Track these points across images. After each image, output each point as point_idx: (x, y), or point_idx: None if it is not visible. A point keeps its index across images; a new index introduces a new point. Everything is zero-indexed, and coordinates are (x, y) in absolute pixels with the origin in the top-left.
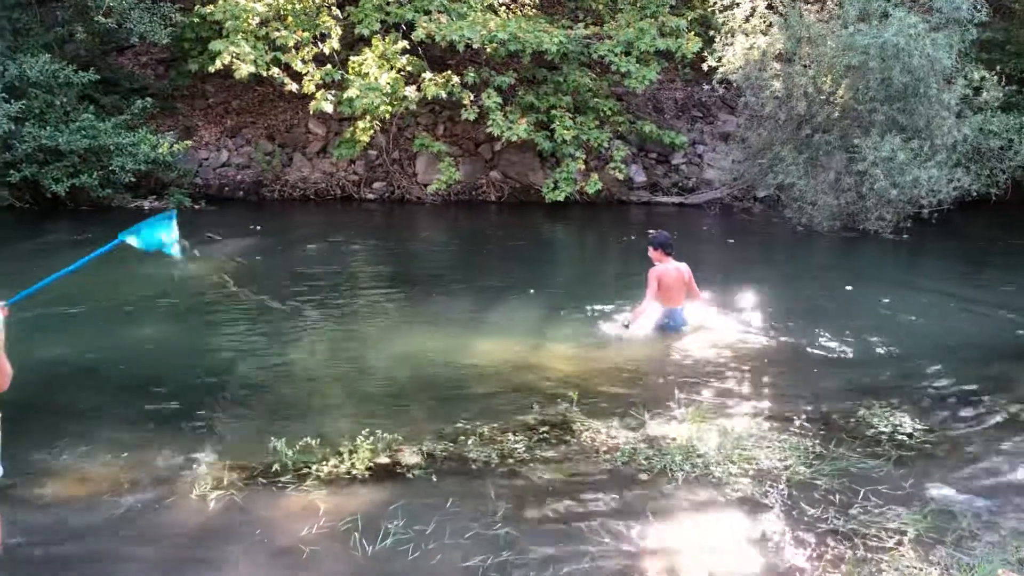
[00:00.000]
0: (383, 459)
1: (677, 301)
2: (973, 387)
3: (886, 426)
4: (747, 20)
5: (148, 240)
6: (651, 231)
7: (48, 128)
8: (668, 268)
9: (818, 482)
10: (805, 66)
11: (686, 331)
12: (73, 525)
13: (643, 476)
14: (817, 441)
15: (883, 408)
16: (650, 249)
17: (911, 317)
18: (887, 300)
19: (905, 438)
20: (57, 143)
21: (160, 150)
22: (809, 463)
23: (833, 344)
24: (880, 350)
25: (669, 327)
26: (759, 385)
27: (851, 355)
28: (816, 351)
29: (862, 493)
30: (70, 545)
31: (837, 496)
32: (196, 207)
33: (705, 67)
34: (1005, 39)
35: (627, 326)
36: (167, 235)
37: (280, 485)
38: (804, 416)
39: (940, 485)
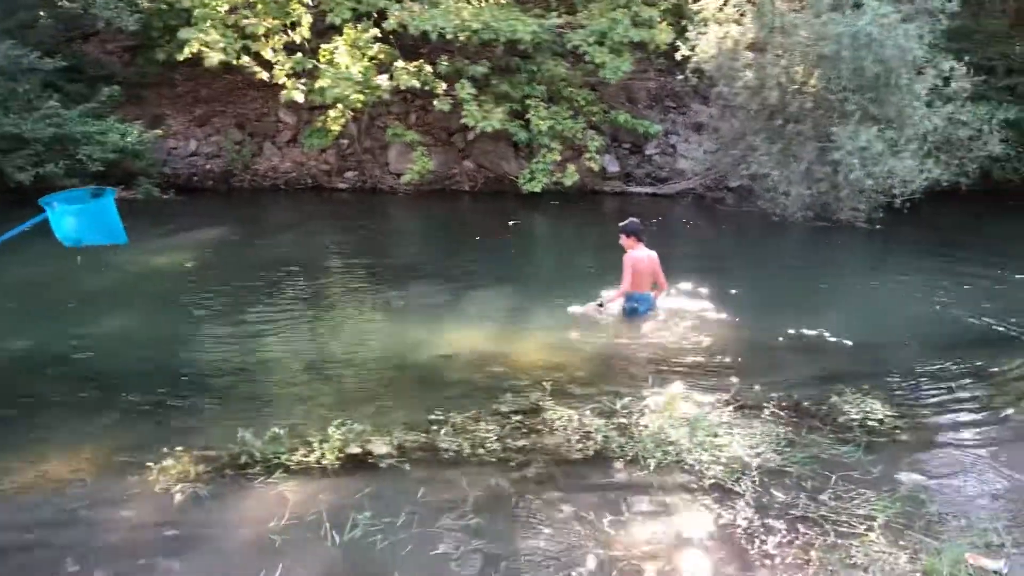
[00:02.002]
0: (353, 449)
1: (647, 287)
2: (943, 374)
3: (857, 413)
4: (720, 9)
5: (90, 230)
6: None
7: (11, 116)
8: (641, 255)
9: (789, 469)
10: (778, 55)
11: (653, 316)
12: (34, 517)
13: (616, 464)
14: (788, 428)
15: (854, 395)
16: (623, 236)
17: (883, 305)
18: (859, 288)
19: (876, 424)
20: (21, 131)
21: (129, 139)
22: (780, 450)
23: (805, 332)
24: (852, 338)
25: (639, 311)
26: (731, 373)
27: (823, 343)
28: (788, 339)
29: (833, 479)
30: (29, 537)
31: (808, 482)
32: (164, 197)
33: (678, 56)
34: (973, 28)
35: (602, 305)
36: (110, 223)
37: (248, 477)
38: (775, 404)
39: (909, 471)
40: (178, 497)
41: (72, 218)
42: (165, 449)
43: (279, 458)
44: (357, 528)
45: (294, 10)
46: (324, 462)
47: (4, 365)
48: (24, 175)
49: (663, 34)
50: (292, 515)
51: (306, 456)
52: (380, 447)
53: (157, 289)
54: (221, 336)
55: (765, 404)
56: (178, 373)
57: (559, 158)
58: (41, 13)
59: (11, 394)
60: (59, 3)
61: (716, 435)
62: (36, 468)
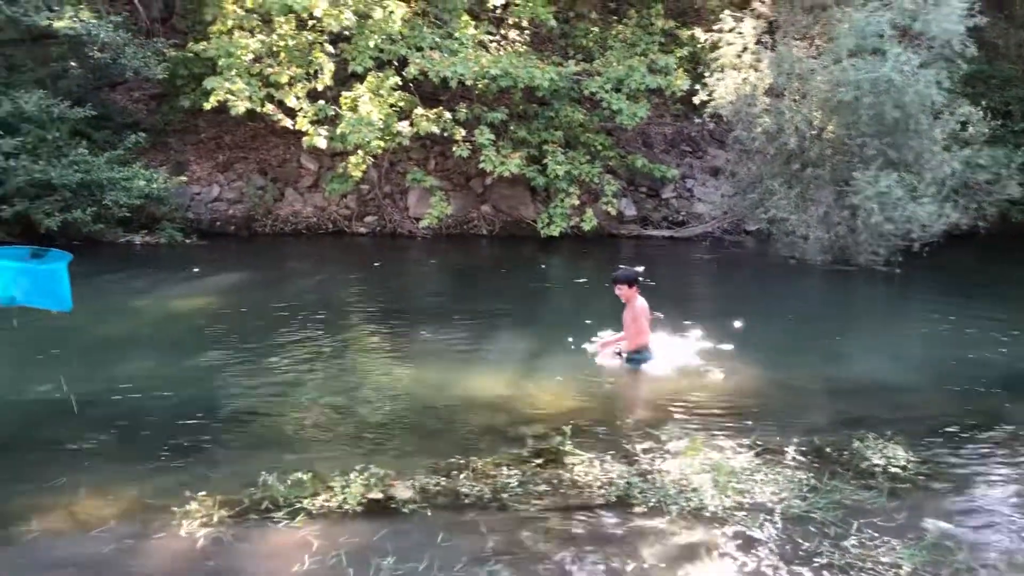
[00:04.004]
0: (375, 494)
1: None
2: (966, 419)
3: (880, 458)
4: (738, 56)
5: (34, 292)
6: (638, 267)
7: (41, 163)
8: (644, 303)
9: (813, 515)
10: (795, 101)
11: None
12: (58, 561)
13: (638, 510)
14: (811, 474)
15: (876, 440)
16: (623, 287)
17: (903, 349)
18: (879, 332)
19: (899, 470)
20: (50, 177)
21: (154, 185)
22: (803, 496)
23: (825, 376)
24: (872, 382)
25: (645, 361)
26: (752, 418)
27: (843, 387)
28: (808, 384)
29: (856, 526)
30: None
31: (832, 529)
32: (187, 241)
33: (697, 100)
34: (989, 73)
35: (620, 354)
36: (58, 289)
37: (271, 521)
38: (797, 449)
39: (935, 518)
40: (201, 541)
41: (22, 277)
42: (188, 493)
43: (301, 502)
44: (380, 574)
45: (316, 59)
46: (346, 506)
47: (31, 409)
48: (52, 221)
49: (679, 81)
50: (314, 560)
51: (328, 500)
52: (401, 491)
53: (179, 333)
54: (243, 380)
55: (786, 449)
56: (200, 417)
57: (577, 202)
58: (72, 63)
59: (37, 437)
60: (89, 54)
61: (738, 481)
62: (62, 511)
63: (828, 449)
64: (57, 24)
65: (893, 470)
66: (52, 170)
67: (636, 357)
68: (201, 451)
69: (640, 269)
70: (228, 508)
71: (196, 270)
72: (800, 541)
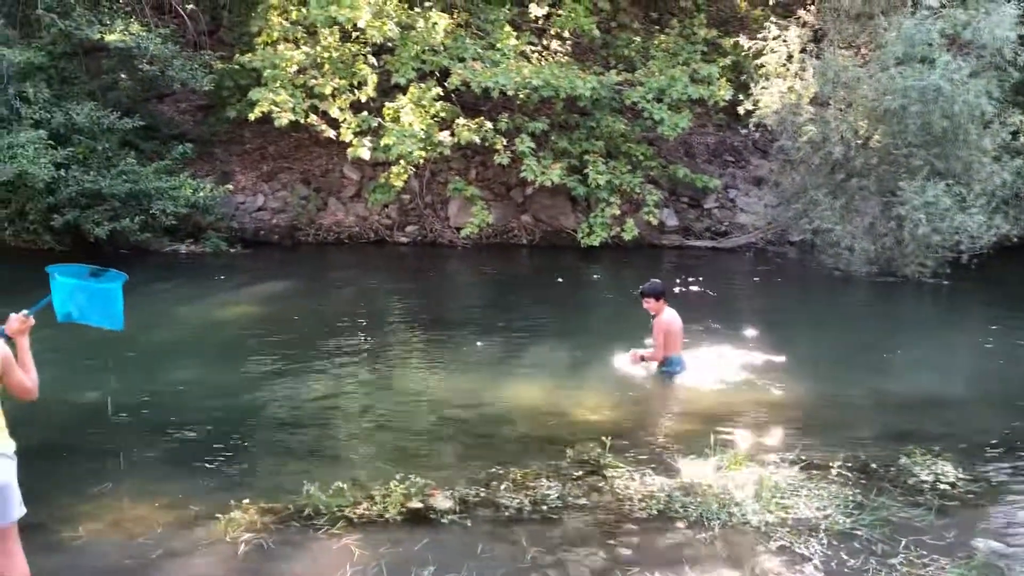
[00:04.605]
0: (415, 503)
1: (680, 347)
2: (1017, 434)
3: (928, 475)
4: (783, 65)
5: (91, 309)
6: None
7: (91, 173)
8: (671, 317)
9: (858, 532)
10: (841, 110)
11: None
12: (105, 567)
13: (679, 524)
14: (856, 490)
15: (924, 456)
16: (649, 300)
17: (951, 362)
18: (926, 345)
19: (948, 487)
20: (100, 187)
21: (201, 194)
22: (849, 512)
23: (870, 390)
24: (919, 396)
25: (677, 373)
26: (795, 432)
27: (889, 401)
28: (853, 397)
29: (904, 543)
30: None
31: (879, 546)
32: (232, 250)
33: (741, 110)
34: None
35: (644, 359)
36: (112, 308)
37: (313, 528)
38: (842, 464)
39: (985, 537)
40: (244, 547)
41: (79, 294)
42: (232, 500)
43: (343, 511)
44: None
45: (360, 70)
46: (387, 515)
47: (79, 415)
48: (101, 230)
49: (722, 90)
50: (355, 569)
51: (368, 509)
52: (441, 502)
53: (224, 341)
54: (286, 388)
55: (831, 464)
56: (243, 424)
57: (617, 212)
58: (122, 75)
59: (84, 443)
60: (139, 66)
61: (782, 496)
62: (109, 516)
63: (874, 465)
64: (108, 37)
65: (942, 487)
66: (102, 180)
67: (666, 369)
68: (244, 458)
69: (657, 282)
70: (271, 515)
71: (239, 279)
72: (846, 558)
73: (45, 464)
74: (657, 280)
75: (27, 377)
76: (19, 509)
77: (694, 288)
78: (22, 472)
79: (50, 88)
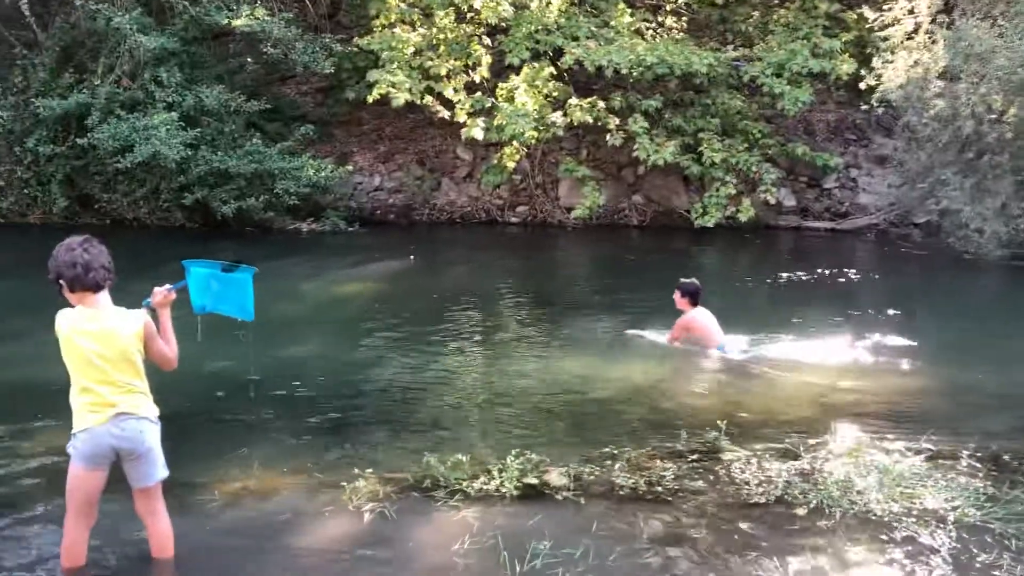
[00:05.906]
0: (531, 479)
1: (714, 342)
2: None
3: None
4: (910, 37)
5: (225, 300)
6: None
7: (219, 153)
8: (693, 315)
9: (991, 525)
10: (973, 83)
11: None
12: (238, 527)
13: (798, 511)
14: (988, 482)
15: None
16: (681, 296)
17: None
18: None
19: None
20: (227, 167)
21: (323, 174)
22: (980, 505)
23: (1002, 379)
24: None
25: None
26: (921, 421)
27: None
28: (983, 386)
29: None
30: (235, 541)
31: (1013, 541)
32: (350, 229)
33: (863, 86)
34: None
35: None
36: (244, 300)
37: (432, 499)
38: (972, 455)
39: None
40: (368, 515)
41: (214, 283)
42: (356, 470)
43: (460, 484)
44: (537, 559)
45: (474, 51)
46: (503, 490)
47: (213, 384)
48: (228, 208)
49: (845, 64)
50: (473, 540)
51: (486, 483)
52: (556, 479)
53: (344, 317)
54: (404, 362)
55: (960, 454)
56: (362, 397)
57: (733, 192)
58: (248, 59)
59: (217, 411)
60: (264, 50)
61: (907, 486)
62: (241, 481)
63: (1007, 457)
64: (235, 23)
65: None
66: (229, 160)
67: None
68: (365, 429)
69: (694, 282)
70: (392, 485)
71: (356, 257)
72: (976, 551)
73: (184, 430)
74: (695, 281)
75: (168, 347)
76: (162, 471)
77: (823, 271)
78: (164, 437)
79: (181, 72)
